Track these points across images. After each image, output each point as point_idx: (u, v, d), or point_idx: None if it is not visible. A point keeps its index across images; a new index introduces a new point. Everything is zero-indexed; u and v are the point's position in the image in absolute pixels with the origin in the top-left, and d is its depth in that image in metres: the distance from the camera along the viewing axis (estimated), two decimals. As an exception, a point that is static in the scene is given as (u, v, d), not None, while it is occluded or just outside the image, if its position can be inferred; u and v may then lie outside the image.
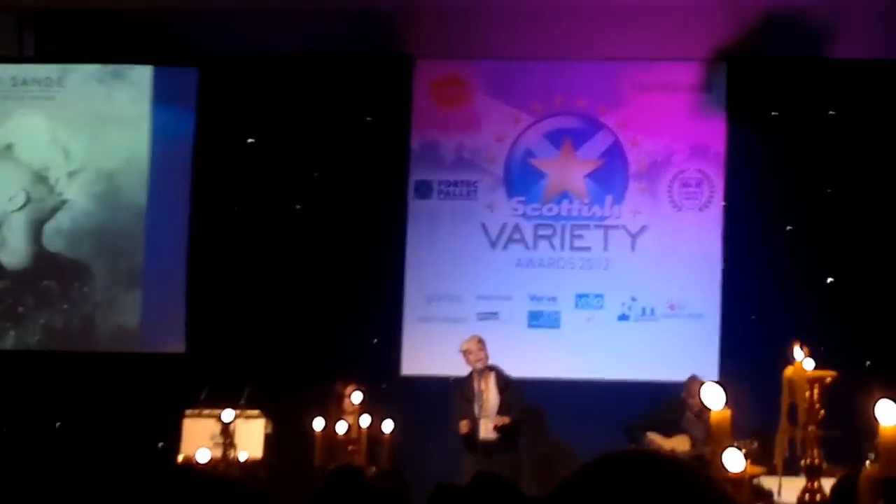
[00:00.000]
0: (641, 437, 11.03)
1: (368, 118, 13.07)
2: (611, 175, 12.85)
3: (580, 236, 12.83)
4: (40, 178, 13.43)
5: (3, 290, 13.42)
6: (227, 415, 10.11)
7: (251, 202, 13.04)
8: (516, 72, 13.03)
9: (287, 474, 10.18)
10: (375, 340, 12.75)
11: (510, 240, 12.89)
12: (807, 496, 5.42)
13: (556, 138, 12.97)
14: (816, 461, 5.39)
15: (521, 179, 12.98)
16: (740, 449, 4.81)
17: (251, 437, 10.70)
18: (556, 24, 12.63)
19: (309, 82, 13.05)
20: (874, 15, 12.30)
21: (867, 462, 7.59)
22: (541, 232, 12.88)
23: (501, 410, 11.28)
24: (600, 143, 12.91)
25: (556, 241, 12.84)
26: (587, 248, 12.80)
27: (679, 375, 11.34)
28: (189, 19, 13.02)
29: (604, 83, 12.93)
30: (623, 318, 12.63)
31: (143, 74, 13.37)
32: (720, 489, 1.98)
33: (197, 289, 13.03)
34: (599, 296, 12.69)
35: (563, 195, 12.90)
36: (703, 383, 5.83)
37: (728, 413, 4.75)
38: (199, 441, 10.41)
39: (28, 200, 13.43)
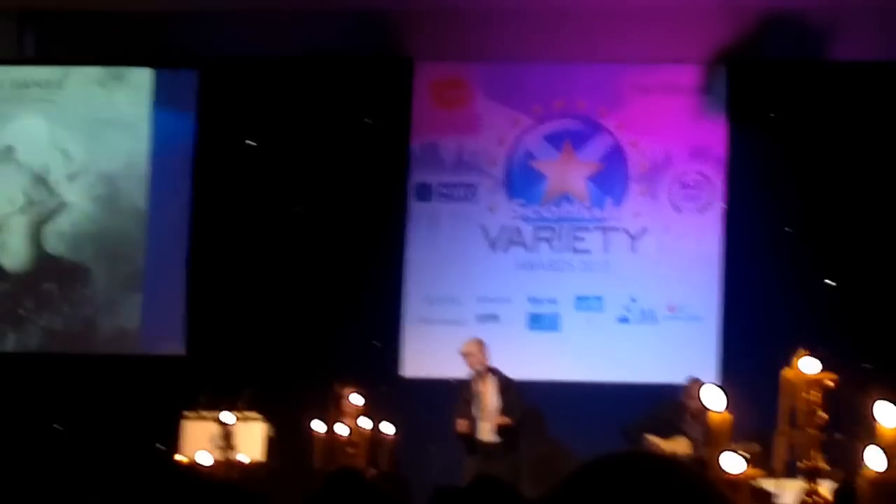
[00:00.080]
0: (640, 440, 11.01)
1: (368, 120, 13.06)
2: (611, 177, 12.84)
3: (580, 238, 12.82)
4: (40, 180, 13.43)
5: (4, 292, 13.42)
6: (228, 417, 10.10)
7: (251, 204, 13.03)
8: (516, 74, 13.02)
9: (287, 477, 10.17)
10: (375, 343, 12.74)
11: (510, 242, 12.88)
12: (806, 498, 5.42)
13: (556, 140, 12.96)
14: (816, 464, 5.38)
15: (521, 181, 12.97)
16: (740, 452, 4.81)
17: (251, 439, 10.69)
18: (556, 27, 12.64)
19: (309, 85, 13.05)
20: (874, 17, 12.29)
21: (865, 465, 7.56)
22: (541, 234, 12.87)
23: (502, 413, 11.28)
24: (600, 145, 12.90)
25: (556, 243, 12.84)
26: (587, 251, 12.79)
27: (679, 377, 11.33)
28: (189, 22, 13.02)
29: (604, 85, 12.92)
30: (623, 320, 12.62)
31: (143, 77, 13.37)
32: (718, 491, 1.98)
33: (197, 291, 13.03)
34: (599, 298, 12.68)
35: (564, 197, 12.89)
36: (702, 385, 5.83)
37: (728, 416, 4.75)
38: (198, 443, 10.41)
39: (28, 203, 13.43)
